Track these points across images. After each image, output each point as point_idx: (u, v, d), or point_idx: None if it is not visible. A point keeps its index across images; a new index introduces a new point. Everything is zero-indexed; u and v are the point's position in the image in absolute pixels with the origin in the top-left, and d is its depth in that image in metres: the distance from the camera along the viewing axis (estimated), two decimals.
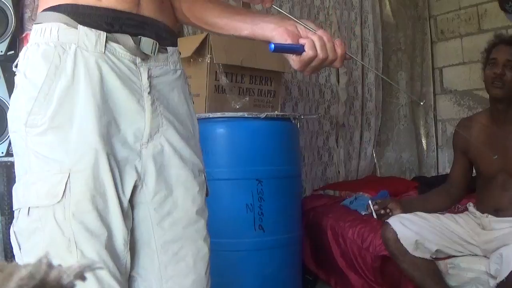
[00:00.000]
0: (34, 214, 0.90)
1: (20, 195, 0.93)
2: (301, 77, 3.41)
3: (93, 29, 0.93)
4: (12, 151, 2.05)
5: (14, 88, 0.98)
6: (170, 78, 1.05)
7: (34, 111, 0.91)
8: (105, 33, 0.94)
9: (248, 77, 2.54)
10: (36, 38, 0.94)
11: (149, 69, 1.00)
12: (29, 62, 0.94)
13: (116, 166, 0.94)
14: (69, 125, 0.91)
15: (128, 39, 0.96)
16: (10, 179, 2.30)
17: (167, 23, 1.06)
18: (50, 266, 0.36)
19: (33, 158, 0.92)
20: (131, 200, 0.97)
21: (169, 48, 1.05)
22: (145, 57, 0.99)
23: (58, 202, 0.89)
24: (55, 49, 0.92)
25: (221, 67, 2.37)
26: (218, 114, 2.27)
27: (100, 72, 0.93)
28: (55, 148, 0.91)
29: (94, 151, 0.91)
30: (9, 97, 2.04)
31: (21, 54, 0.97)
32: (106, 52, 0.94)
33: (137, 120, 0.97)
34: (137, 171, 0.97)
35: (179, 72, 1.08)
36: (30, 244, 0.91)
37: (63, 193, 0.89)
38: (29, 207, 0.90)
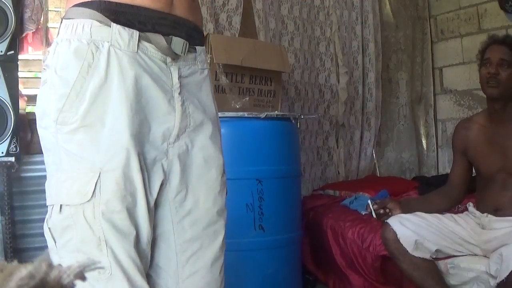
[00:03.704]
0: (65, 212, 0.90)
1: (52, 192, 0.93)
2: (301, 77, 3.41)
3: (126, 28, 0.93)
4: (12, 151, 2.06)
5: (42, 84, 0.96)
6: (198, 77, 1.05)
7: (65, 108, 0.90)
8: (138, 32, 0.94)
9: (248, 77, 2.54)
10: (67, 34, 0.93)
11: (179, 69, 1.00)
12: (60, 59, 0.92)
13: (145, 166, 0.94)
14: (100, 124, 0.90)
15: (160, 39, 0.96)
16: (10, 179, 2.30)
17: (196, 23, 1.06)
18: (50, 266, 0.36)
19: (63, 156, 0.91)
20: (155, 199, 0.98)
21: (198, 48, 1.06)
22: (175, 57, 0.99)
23: (88, 201, 0.89)
24: (88, 46, 0.91)
25: (221, 67, 2.37)
26: (218, 114, 2.27)
27: (133, 72, 0.93)
28: (86, 146, 0.90)
29: (125, 151, 0.91)
30: (9, 97, 2.04)
31: (50, 49, 0.96)
32: (139, 51, 0.94)
33: (167, 120, 0.97)
34: (163, 171, 0.98)
35: (206, 71, 1.08)
36: (64, 240, 0.91)
37: (93, 192, 0.89)
38: (60, 205, 0.91)
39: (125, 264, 0.90)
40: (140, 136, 0.93)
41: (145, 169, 0.94)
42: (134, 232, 0.92)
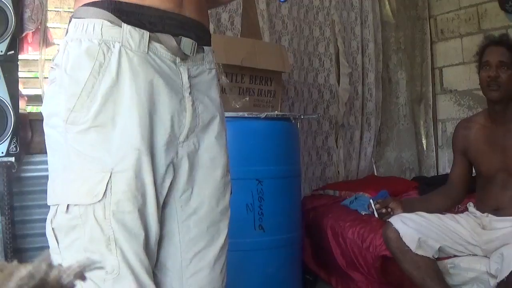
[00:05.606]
0: (74, 212, 0.90)
1: (58, 191, 0.92)
2: (301, 78, 3.41)
3: (137, 28, 0.93)
4: (12, 151, 2.06)
5: (50, 82, 0.96)
6: (206, 77, 1.06)
7: (76, 108, 0.90)
8: (148, 32, 0.94)
9: (248, 77, 2.54)
10: (78, 34, 0.93)
11: (188, 69, 1.01)
12: (71, 58, 0.92)
13: (156, 166, 0.94)
14: (112, 124, 0.90)
15: (170, 39, 0.96)
16: (10, 179, 2.30)
17: (204, 23, 1.07)
18: (50, 266, 0.36)
19: (73, 156, 0.91)
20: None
21: (205, 48, 1.07)
22: (184, 57, 1.00)
23: (99, 201, 0.89)
24: (99, 47, 0.91)
25: (221, 67, 2.37)
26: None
27: (144, 72, 0.93)
28: (97, 147, 0.90)
29: (137, 152, 0.91)
30: (9, 97, 2.04)
31: (60, 48, 0.95)
32: (149, 52, 0.94)
33: (178, 121, 0.98)
34: (173, 170, 0.98)
35: (213, 71, 1.09)
36: (69, 240, 0.91)
37: (104, 193, 0.89)
38: (68, 204, 0.90)
39: (133, 264, 0.90)
40: (151, 136, 0.94)
41: (156, 170, 0.94)
42: (144, 233, 0.92)
